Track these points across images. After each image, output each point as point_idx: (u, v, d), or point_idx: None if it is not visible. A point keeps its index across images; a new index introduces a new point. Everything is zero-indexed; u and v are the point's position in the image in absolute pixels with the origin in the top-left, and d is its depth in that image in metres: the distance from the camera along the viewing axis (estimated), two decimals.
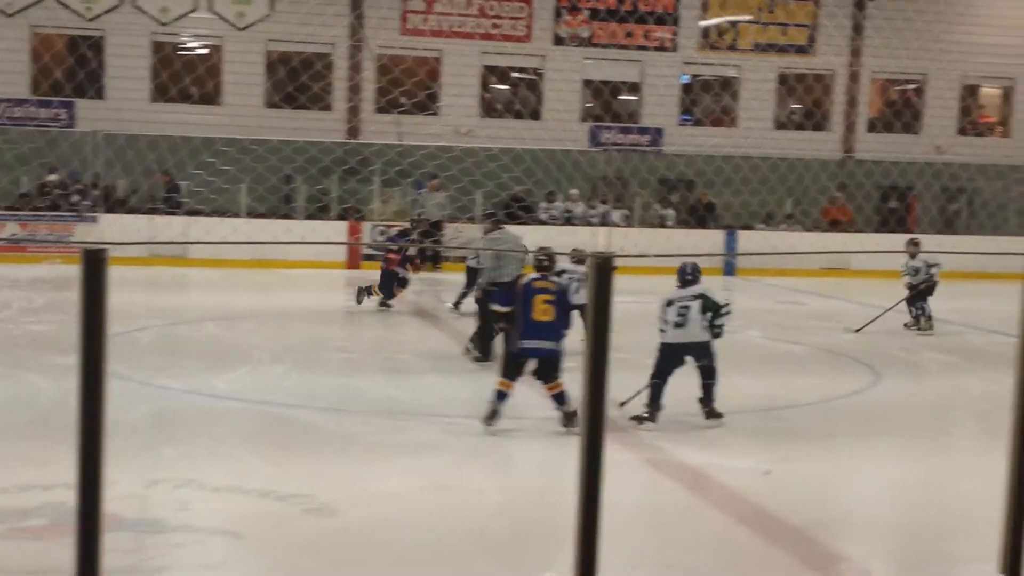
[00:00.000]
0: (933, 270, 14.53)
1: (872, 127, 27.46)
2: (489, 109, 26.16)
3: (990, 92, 28.42)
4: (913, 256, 14.59)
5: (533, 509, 6.64)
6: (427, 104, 24.91)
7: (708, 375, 8.72)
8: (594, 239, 21.70)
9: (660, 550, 6.12)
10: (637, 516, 6.49)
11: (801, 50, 26.68)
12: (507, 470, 7.60)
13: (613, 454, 7.80)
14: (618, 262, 2.78)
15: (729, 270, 22.86)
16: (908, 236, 15.08)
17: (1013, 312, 4.16)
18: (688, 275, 8.87)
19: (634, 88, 26.62)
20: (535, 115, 26.17)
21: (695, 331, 8.61)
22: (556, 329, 8.45)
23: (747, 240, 23.29)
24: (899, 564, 6.26)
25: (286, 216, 22.91)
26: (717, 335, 8.66)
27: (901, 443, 8.80)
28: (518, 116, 26.12)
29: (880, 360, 12.35)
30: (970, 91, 27.98)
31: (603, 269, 2.65)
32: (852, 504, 7.20)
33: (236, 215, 21.01)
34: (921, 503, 7.21)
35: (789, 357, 12.41)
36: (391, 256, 15.36)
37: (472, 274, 14.66)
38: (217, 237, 18.68)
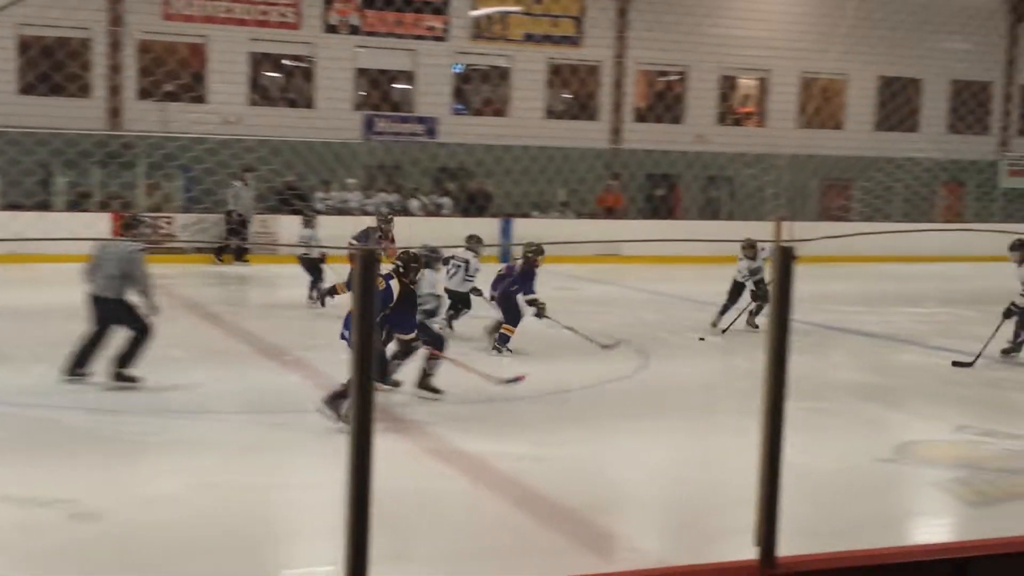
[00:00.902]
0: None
1: (639, 117, 28.31)
2: (260, 97, 25.56)
3: (747, 83, 29.80)
4: (752, 258, 13.88)
5: (307, 504, 6.53)
6: (194, 90, 24.14)
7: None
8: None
9: (437, 537, 6.12)
10: (414, 504, 6.46)
11: (570, 41, 27.23)
12: (280, 466, 7.43)
13: (390, 443, 7.82)
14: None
15: (505, 257, 23.12)
16: (745, 239, 14.09)
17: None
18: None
19: (408, 77, 26.56)
20: (308, 103, 25.75)
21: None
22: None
23: (523, 227, 23.60)
24: (668, 540, 6.48)
25: (43, 207, 21.74)
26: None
27: (670, 423, 9.10)
28: (291, 104, 25.67)
29: (651, 343, 12.74)
30: (728, 82, 29.26)
31: (368, 261, 2.59)
32: (624, 484, 7.39)
33: None
34: (688, 481, 7.48)
35: (564, 342, 12.63)
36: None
37: (309, 265, 15.20)
38: None
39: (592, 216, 26.04)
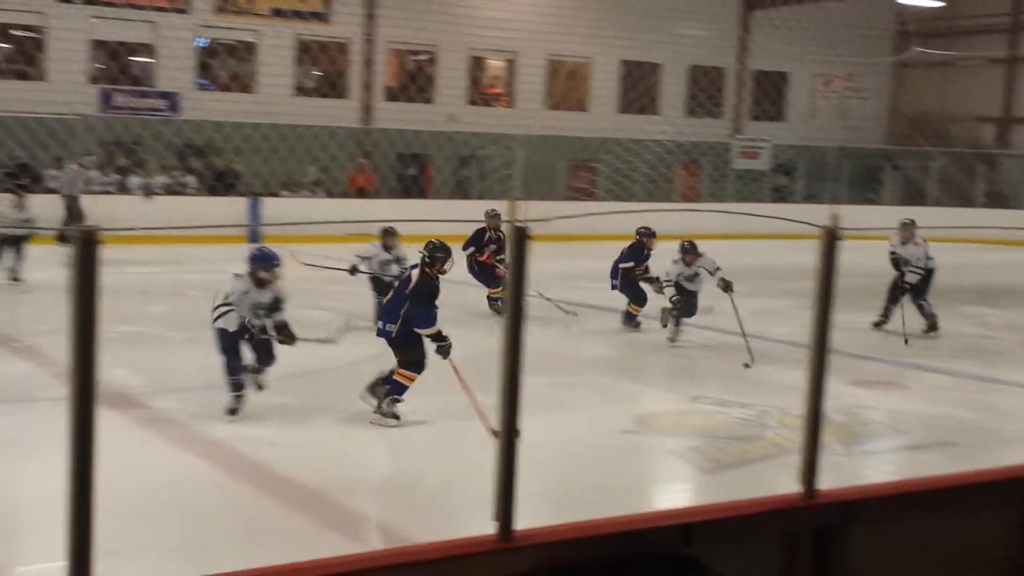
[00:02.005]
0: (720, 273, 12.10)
1: (390, 96, 28.21)
2: None
3: (495, 64, 30.20)
4: (689, 264, 12.41)
5: (38, 497, 6.18)
6: None
7: None
8: (111, 208, 20.58)
9: (184, 526, 5.93)
10: (160, 495, 6.24)
11: (318, 17, 26.79)
12: (7, 458, 7.00)
13: (131, 433, 7.51)
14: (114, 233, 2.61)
15: (254, 237, 22.58)
16: (682, 241, 12.67)
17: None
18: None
19: (148, 50, 25.48)
20: (40, 76, 24.31)
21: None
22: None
23: (273, 207, 23.09)
24: (415, 519, 6.50)
25: None
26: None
27: (419, 403, 9.13)
28: (22, 77, 24.17)
29: None
30: (477, 63, 29.57)
31: (88, 243, 2.44)
32: (372, 465, 7.38)
33: None
34: (435, 458, 7.54)
35: (315, 323, 12.45)
36: None
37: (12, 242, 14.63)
38: None
39: (343, 196, 25.80)
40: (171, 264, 18.32)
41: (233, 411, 8.08)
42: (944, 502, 4.33)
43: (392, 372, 8.42)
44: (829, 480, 4.17)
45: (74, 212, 19.90)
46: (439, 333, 8.20)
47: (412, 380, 8.36)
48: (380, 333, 8.52)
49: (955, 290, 14.87)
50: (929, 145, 32.11)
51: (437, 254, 8.36)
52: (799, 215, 4.32)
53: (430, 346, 8.21)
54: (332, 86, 27.30)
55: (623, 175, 28.69)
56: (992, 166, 32.83)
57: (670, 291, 12.25)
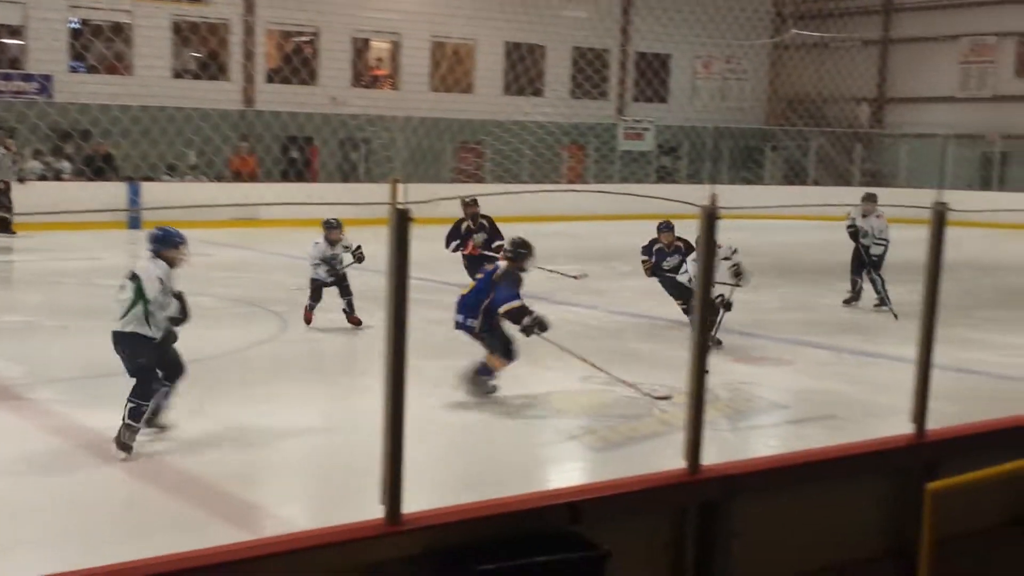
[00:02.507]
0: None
1: (271, 78, 27.77)
2: None
3: (379, 46, 29.95)
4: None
5: None
6: None
7: None
8: None
9: (67, 520, 5.78)
10: (40, 487, 6.07)
11: None
12: None
13: (9, 424, 7.28)
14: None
15: (134, 223, 22.05)
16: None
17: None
18: None
19: (17, 32, 24.61)
20: None
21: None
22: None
23: (151, 191, 22.55)
24: (306, 506, 6.46)
25: None
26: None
27: (310, 388, 9.06)
28: None
29: (291, 308, 12.55)
30: (361, 44, 29.28)
31: None
32: (264, 452, 7.28)
33: None
34: (328, 444, 7.48)
35: (198, 310, 12.24)
36: None
37: None
38: None
39: (224, 180, 25.33)
40: (47, 252, 17.80)
41: (128, 448, 6.79)
42: (822, 474, 4.46)
43: (483, 364, 8.58)
44: (715, 455, 4.27)
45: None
46: (523, 306, 8.34)
47: (504, 366, 8.59)
48: (461, 327, 8.57)
49: (836, 267, 15.23)
50: (807, 125, 32.92)
51: (521, 250, 8.59)
52: (683, 195, 4.38)
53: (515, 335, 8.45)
54: (211, 68, 26.72)
55: (509, 157, 28.76)
56: (868, 145, 33.80)
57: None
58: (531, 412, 8.40)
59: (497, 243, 12.09)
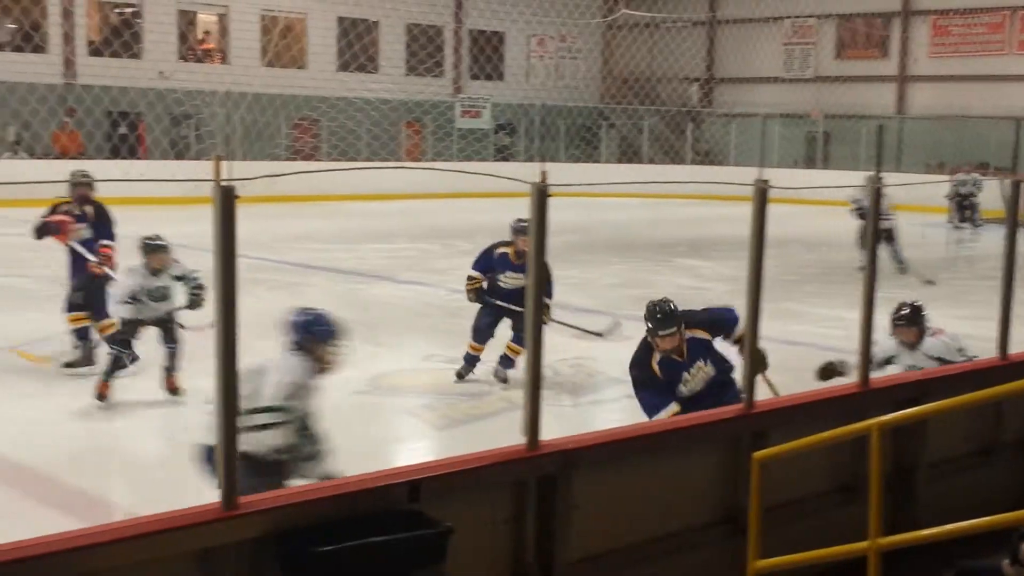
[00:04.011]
0: None
1: (94, 51, 26.71)
2: None
3: (207, 19, 29.15)
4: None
5: None
6: None
7: None
8: None
9: None
10: None
11: None
12: None
13: None
14: None
15: None
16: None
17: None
18: None
19: None
20: None
21: None
22: None
23: None
24: (138, 493, 6.28)
25: None
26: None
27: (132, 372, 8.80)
28: None
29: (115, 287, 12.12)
30: (188, 17, 28.44)
31: None
32: (90, 438, 7.08)
33: None
34: (160, 430, 7.28)
35: (14, 291, 11.78)
36: None
37: None
38: None
39: (48, 156, 24.29)
40: None
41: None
42: (657, 445, 4.57)
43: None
44: (557, 430, 4.32)
45: None
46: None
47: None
48: None
49: (669, 243, 15.62)
50: (640, 104, 33.59)
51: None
52: (520, 174, 4.39)
53: None
54: (29, 39, 25.50)
55: (346, 134, 28.45)
56: (698, 124, 34.71)
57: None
58: (372, 391, 8.35)
59: (104, 242, 9.04)
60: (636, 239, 19.80)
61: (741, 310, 4.83)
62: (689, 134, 33.64)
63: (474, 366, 8.84)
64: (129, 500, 6.04)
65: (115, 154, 25.57)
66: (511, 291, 8.51)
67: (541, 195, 3.90)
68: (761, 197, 4.53)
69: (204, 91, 26.39)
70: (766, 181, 4.52)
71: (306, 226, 18.61)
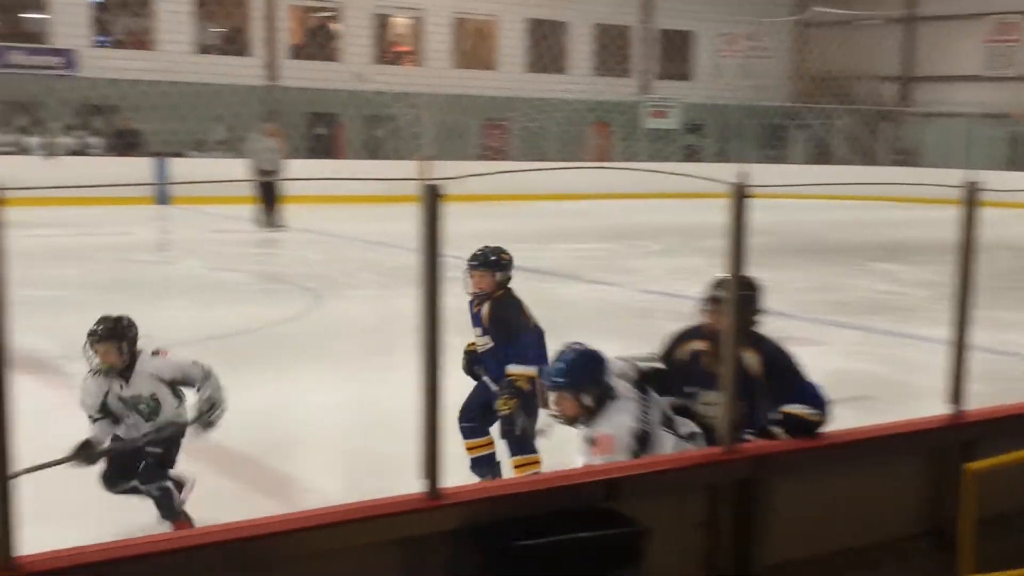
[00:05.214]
0: None
1: (294, 53, 27.75)
2: None
3: (401, 22, 29.88)
4: None
5: None
6: None
7: None
8: (10, 169, 20.00)
9: (96, 489, 5.83)
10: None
11: None
12: None
13: (44, 397, 7.32)
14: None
15: (163, 199, 22.17)
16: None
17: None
18: None
19: (39, 6, 24.66)
20: None
21: None
22: None
23: (179, 167, 22.63)
24: (343, 479, 6.49)
25: None
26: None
27: (343, 363, 9.07)
28: None
29: (321, 284, 12.58)
30: (382, 21, 29.21)
31: None
32: (298, 426, 7.32)
33: None
34: (363, 419, 7.51)
35: (228, 285, 12.32)
36: None
37: None
38: None
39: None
40: (77, 227, 17.91)
41: None
42: (858, 454, 4.46)
43: None
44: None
45: None
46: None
47: None
48: None
49: (865, 247, 15.16)
50: (832, 104, 32.70)
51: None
52: (709, 174, 4.36)
53: None
54: (233, 43, 26.71)
55: (534, 134, 28.71)
56: (895, 124, 33.56)
57: None
58: None
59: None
60: (829, 242, 19.29)
61: (942, 315, 4.65)
62: (883, 134, 32.56)
63: (494, 469, 5.67)
64: (330, 485, 6.24)
65: (313, 154, 26.53)
66: (485, 358, 5.85)
67: (740, 195, 3.85)
68: (971, 200, 4.36)
69: (399, 92, 27.09)
70: (977, 183, 4.35)
71: (494, 225, 18.84)
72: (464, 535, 3.47)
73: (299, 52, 27.86)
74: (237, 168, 22.24)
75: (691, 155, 32.60)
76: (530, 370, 5.51)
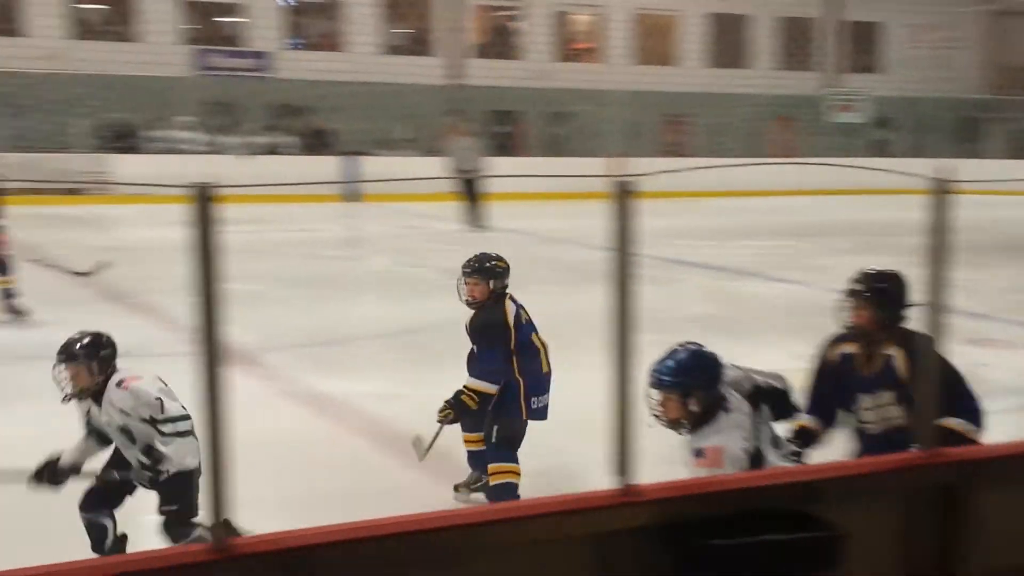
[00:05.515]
0: None
1: (477, 53, 28.15)
2: (83, 31, 24.41)
3: (581, 19, 29.94)
4: None
5: None
6: (5, 25, 22.93)
7: None
8: (209, 167, 20.97)
9: (296, 479, 6.05)
10: (273, 448, 6.37)
11: None
12: None
13: (245, 388, 7.64)
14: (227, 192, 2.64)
15: (353, 196, 22.83)
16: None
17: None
18: None
19: (235, 10, 25.74)
20: (135, 37, 24.75)
21: None
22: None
23: (369, 165, 23.25)
24: (530, 474, 6.55)
25: None
26: None
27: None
28: (119, 38, 24.66)
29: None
30: (563, 18, 29.33)
31: (205, 201, 2.48)
32: None
33: None
34: (551, 415, 7.55)
35: (416, 280, 12.57)
36: None
37: None
38: None
39: (436, 154, 25.90)
40: (270, 223, 18.62)
41: None
42: None
43: None
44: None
45: None
46: None
47: None
48: None
49: None
50: None
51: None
52: (902, 169, 4.21)
53: None
54: (418, 43, 27.29)
55: (717, 130, 28.34)
56: None
57: None
58: None
59: None
60: None
61: None
62: None
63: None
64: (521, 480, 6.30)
65: (496, 151, 26.87)
66: (468, 362, 5.93)
67: (942, 192, 3.71)
68: None
69: (581, 89, 27.18)
70: None
71: (674, 222, 18.71)
72: (657, 532, 3.46)
73: (481, 51, 28.25)
74: (425, 166, 22.76)
75: (880, 150, 31.59)
76: (487, 387, 5.50)
